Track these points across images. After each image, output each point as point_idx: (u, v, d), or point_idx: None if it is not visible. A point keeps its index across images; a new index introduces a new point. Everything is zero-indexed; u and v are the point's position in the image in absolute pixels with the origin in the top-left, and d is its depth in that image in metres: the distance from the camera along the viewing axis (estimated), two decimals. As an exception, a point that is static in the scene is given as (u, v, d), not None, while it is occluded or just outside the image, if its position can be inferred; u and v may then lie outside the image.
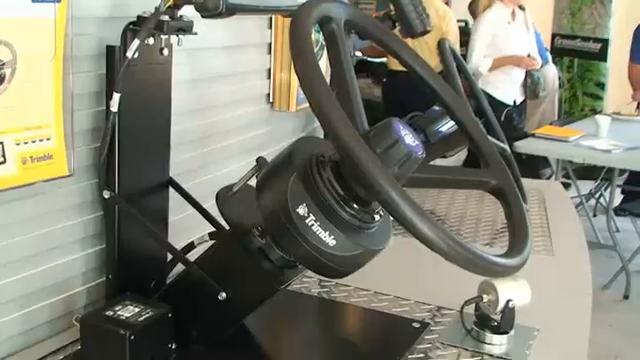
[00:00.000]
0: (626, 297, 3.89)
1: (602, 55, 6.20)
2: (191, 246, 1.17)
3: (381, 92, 4.78)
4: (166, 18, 1.07)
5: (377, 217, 0.99)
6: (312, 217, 0.92)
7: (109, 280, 1.17)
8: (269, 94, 1.67)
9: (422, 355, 1.15)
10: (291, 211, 0.93)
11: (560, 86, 6.34)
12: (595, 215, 5.01)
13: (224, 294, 1.07)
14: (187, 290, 1.11)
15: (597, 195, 4.89)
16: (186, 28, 1.11)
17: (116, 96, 1.06)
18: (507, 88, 4.48)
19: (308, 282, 1.41)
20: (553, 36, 6.49)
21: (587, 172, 4.83)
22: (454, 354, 1.17)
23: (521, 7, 4.48)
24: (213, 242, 1.12)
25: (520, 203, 1.03)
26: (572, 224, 1.92)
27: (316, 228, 0.93)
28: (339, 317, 1.33)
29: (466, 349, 1.18)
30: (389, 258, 1.50)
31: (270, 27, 1.65)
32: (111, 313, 1.04)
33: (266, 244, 1.04)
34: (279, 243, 1.03)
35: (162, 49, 1.15)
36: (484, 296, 1.20)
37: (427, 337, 1.21)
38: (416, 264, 1.58)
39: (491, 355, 1.16)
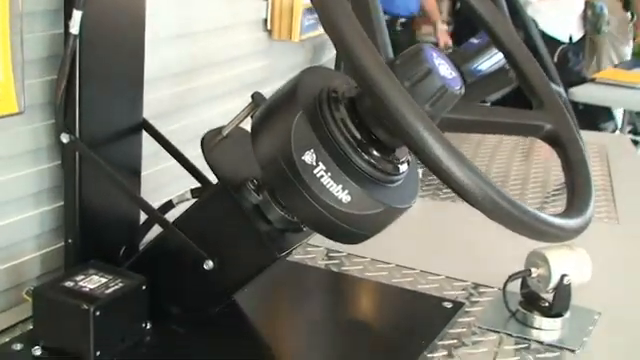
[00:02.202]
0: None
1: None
2: (169, 206, 1.16)
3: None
4: None
5: (402, 168, 0.99)
6: (322, 166, 0.92)
7: (69, 245, 1.17)
8: (266, 19, 1.66)
9: (455, 341, 1.15)
10: (295, 158, 0.92)
11: (630, 20, 6.29)
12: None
13: (210, 263, 1.07)
14: (165, 258, 1.11)
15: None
16: None
17: (77, 14, 1.05)
18: (562, 20, 4.44)
19: (313, 252, 1.41)
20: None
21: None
22: (494, 340, 1.17)
23: None
24: (197, 200, 1.12)
25: (582, 153, 1.02)
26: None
27: (326, 180, 0.92)
28: (352, 294, 1.34)
29: (510, 335, 1.18)
30: (414, 225, 1.51)
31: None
32: (71, 284, 1.04)
33: (263, 201, 1.04)
34: (280, 199, 1.03)
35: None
36: (533, 270, 1.20)
37: (461, 320, 1.21)
38: (447, 232, 1.59)
39: (540, 342, 1.16)
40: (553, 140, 1.04)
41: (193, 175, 1.23)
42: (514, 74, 1.89)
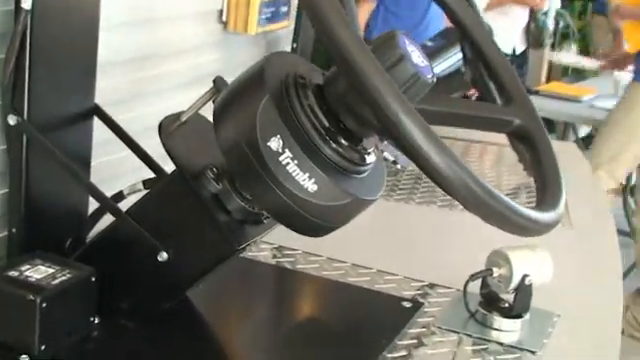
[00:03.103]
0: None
1: (622, -1, 6.25)
2: (120, 197, 1.11)
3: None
4: None
5: (369, 158, 0.96)
6: (288, 153, 0.88)
7: (12, 235, 1.11)
8: (222, 11, 1.61)
9: (415, 341, 1.13)
10: (260, 144, 0.88)
11: (569, 36, 6.40)
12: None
13: (165, 254, 1.02)
14: (116, 249, 1.06)
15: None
16: None
17: (29, -12, 1.00)
18: (506, 33, 4.47)
19: (267, 249, 1.37)
20: (563, -26, 6.52)
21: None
22: (453, 341, 1.14)
23: None
24: (149, 179, 1.07)
25: (551, 148, 1.00)
26: (592, 192, 1.92)
27: (292, 168, 0.89)
28: (308, 292, 1.30)
29: (469, 335, 1.16)
30: (370, 225, 1.48)
31: None
32: (16, 274, 0.99)
33: (223, 190, 1.00)
34: (241, 188, 0.99)
35: None
36: (494, 269, 1.18)
37: (420, 320, 1.18)
38: (404, 234, 1.57)
39: (500, 343, 1.14)
40: (522, 136, 1.02)
41: (147, 164, 1.19)
42: (469, 77, 1.91)
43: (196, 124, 1.06)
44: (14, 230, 1.11)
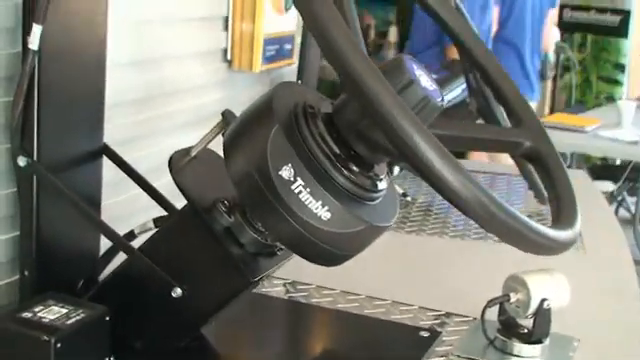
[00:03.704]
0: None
1: (622, 30, 6.27)
2: (131, 236, 1.11)
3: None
4: None
5: (381, 185, 0.95)
6: (300, 181, 0.88)
7: (24, 278, 1.10)
8: (226, 49, 1.62)
9: (434, 370, 1.11)
10: (272, 174, 0.88)
11: (570, 68, 6.43)
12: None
13: (179, 290, 1.01)
14: (129, 287, 1.05)
15: (619, 198, 4.93)
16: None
17: (37, 29, 1.00)
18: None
19: (280, 284, 1.36)
20: (562, 7, 6.55)
21: (606, 171, 4.89)
22: (474, 369, 1.13)
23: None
24: (160, 217, 1.07)
25: (563, 167, 1.00)
26: (605, 217, 1.91)
27: (305, 196, 0.88)
28: (324, 326, 1.29)
29: (489, 362, 1.14)
30: (384, 257, 1.47)
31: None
32: (29, 315, 0.97)
33: (235, 223, 1.00)
34: (254, 219, 0.99)
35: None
36: (512, 295, 1.16)
37: (438, 349, 1.17)
38: (418, 264, 1.56)
39: (522, 369, 1.13)
40: (533, 157, 1.02)
41: (158, 202, 1.18)
42: (474, 107, 1.91)
43: (206, 159, 1.06)
44: (26, 273, 1.10)
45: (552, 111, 5.73)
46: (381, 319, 1.25)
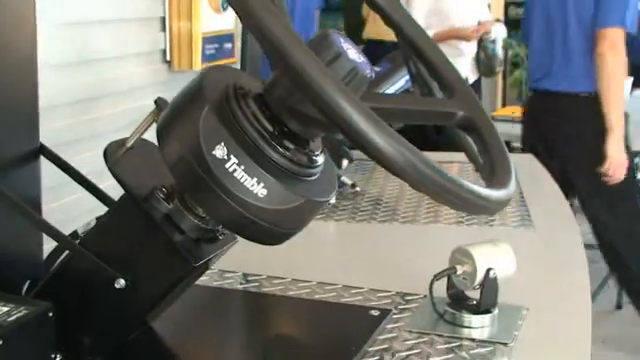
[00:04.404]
0: (619, 307, 3.98)
1: (567, 23, 6.36)
2: (74, 236, 1.10)
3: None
4: None
5: (317, 160, 0.95)
6: (234, 159, 0.87)
7: None
8: (165, 50, 1.62)
9: (386, 346, 1.11)
10: (205, 154, 0.88)
11: (519, 64, 6.51)
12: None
13: (122, 281, 1.00)
14: (72, 282, 1.04)
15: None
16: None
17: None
18: (456, 64, 4.52)
19: (231, 277, 1.35)
20: (506, 5, 6.64)
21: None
22: (426, 342, 1.13)
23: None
24: (103, 214, 1.06)
25: (496, 133, 1.01)
26: (553, 195, 1.93)
27: (240, 174, 0.88)
28: (275, 312, 1.28)
29: (440, 335, 1.14)
30: (334, 246, 1.47)
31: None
32: (-30, 314, 0.96)
33: (174, 209, 0.99)
34: (192, 204, 0.98)
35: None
36: (458, 267, 1.17)
37: (390, 326, 1.17)
38: (366, 250, 1.56)
39: (472, 339, 1.13)
40: (467, 126, 1.02)
41: (100, 200, 1.17)
42: (418, 94, 1.92)
43: (142, 149, 1.05)
44: None
45: (504, 105, 5.78)
46: (331, 302, 1.25)
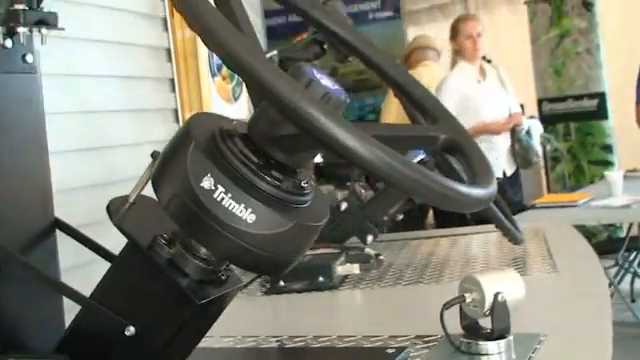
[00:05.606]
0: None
1: (601, 112, 6.42)
2: None
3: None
4: (22, 7, 1.10)
5: (306, 188, 0.99)
6: (220, 188, 0.92)
7: None
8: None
9: (402, 379, 1.12)
10: (194, 187, 0.93)
11: (559, 159, 6.52)
12: (634, 300, 5.02)
13: (132, 328, 1.03)
14: (86, 335, 1.07)
15: (626, 265, 4.90)
16: (49, 20, 1.14)
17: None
18: (491, 158, 4.55)
19: (253, 340, 1.37)
20: (539, 102, 6.73)
21: (608, 246, 4.88)
22: (442, 373, 1.13)
23: (487, 60, 4.67)
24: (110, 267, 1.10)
25: (480, 150, 1.05)
26: (582, 247, 1.93)
27: (227, 202, 0.92)
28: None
29: (457, 364, 1.15)
30: (354, 307, 1.49)
31: (170, 60, 1.70)
32: (-12, 371, 1.00)
33: (176, 253, 1.03)
34: (192, 245, 1.02)
35: (24, 55, 1.17)
36: (467, 295, 1.18)
37: (407, 362, 1.18)
38: (393, 310, 1.57)
39: (488, 364, 1.13)
40: (450, 147, 1.06)
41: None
42: (433, 165, 1.97)
43: (143, 204, 1.10)
44: None
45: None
46: (346, 347, 1.26)
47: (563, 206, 4.15)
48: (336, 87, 0.98)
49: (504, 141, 4.69)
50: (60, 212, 1.26)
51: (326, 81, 0.97)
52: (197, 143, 0.95)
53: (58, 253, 1.24)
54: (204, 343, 1.14)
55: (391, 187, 0.85)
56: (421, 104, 1.13)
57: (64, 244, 1.27)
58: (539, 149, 5.09)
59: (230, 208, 0.92)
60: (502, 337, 1.17)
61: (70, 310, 1.17)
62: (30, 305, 1.17)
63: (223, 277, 1.07)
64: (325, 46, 1.95)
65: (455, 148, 1.06)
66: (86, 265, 1.26)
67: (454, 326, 1.20)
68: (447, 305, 1.18)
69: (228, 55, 0.84)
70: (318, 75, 0.97)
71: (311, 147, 0.96)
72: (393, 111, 4.90)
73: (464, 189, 0.90)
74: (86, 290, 1.23)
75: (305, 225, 0.97)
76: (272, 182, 0.95)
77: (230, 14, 1.00)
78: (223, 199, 0.92)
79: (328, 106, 0.83)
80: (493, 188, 0.96)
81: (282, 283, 1.70)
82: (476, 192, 0.92)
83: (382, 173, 0.83)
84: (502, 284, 1.18)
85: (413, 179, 0.84)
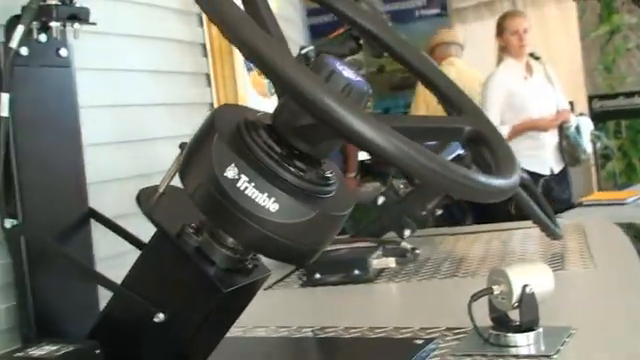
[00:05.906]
0: None
1: (654, 109, 6.32)
2: None
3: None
4: (55, 2, 1.13)
5: (330, 178, 1.00)
6: (244, 177, 0.93)
7: (25, 336, 1.16)
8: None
9: (430, 369, 1.12)
10: (218, 177, 0.94)
11: (610, 156, 6.43)
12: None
13: (161, 315, 1.05)
14: (117, 321, 1.10)
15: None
16: (81, 15, 1.17)
17: (4, 97, 1.10)
18: (539, 155, 4.52)
19: (287, 330, 1.39)
20: (590, 99, 6.64)
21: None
22: (471, 363, 1.13)
23: (535, 57, 4.61)
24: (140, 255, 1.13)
25: (505, 142, 1.04)
26: (623, 245, 1.90)
27: (251, 191, 0.93)
28: (326, 352, 1.31)
29: (484, 355, 1.15)
30: (388, 301, 1.50)
31: (205, 55, 1.72)
32: (21, 354, 1.03)
33: (204, 242, 1.05)
34: (219, 234, 1.04)
35: (58, 49, 1.20)
36: (495, 287, 1.18)
37: (435, 353, 1.18)
38: (416, 296, 1.57)
39: (514, 356, 1.13)
40: (476, 139, 1.06)
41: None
42: (470, 161, 1.96)
43: (173, 194, 1.12)
44: (26, 331, 1.16)
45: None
46: (373, 337, 1.27)
47: (610, 204, 4.08)
48: (358, 78, 0.98)
49: (552, 138, 4.61)
50: (95, 203, 1.29)
51: (348, 72, 0.98)
52: (221, 134, 0.96)
53: (92, 242, 1.27)
54: (237, 332, 1.16)
55: (410, 176, 0.86)
56: (447, 96, 1.12)
57: (101, 234, 1.30)
58: (589, 146, 5.02)
59: (253, 197, 0.93)
60: (530, 329, 1.17)
61: (105, 299, 1.20)
62: (65, 292, 1.20)
63: (250, 266, 1.08)
64: (361, 41, 1.95)
65: (480, 139, 1.05)
66: (121, 255, 1.28)
67: (484, 318, 1.20)
68: (475, 297, 1.18)
69: (245, 47, 0.85)
70: (340, 67, 0.98)
71: (331, 137, 0.97)
72: (421, 105, 4.86)
73: (483, 179, 0.90)
74: (120, 279, 1.27)
75: (329, 215, 0.97)
76: (295, 172, 0.96)
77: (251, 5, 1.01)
78: (247, 188, 0.93)
79: (347, 97, 0.83)
80: (516, 179, 0.95)
81: (318, 276, 1.71)
82: (497, 182, 0.91)
83: (400, 162, 0.83)
84: (530, 276, 1.18)
85: (430, 168, 0.84)
